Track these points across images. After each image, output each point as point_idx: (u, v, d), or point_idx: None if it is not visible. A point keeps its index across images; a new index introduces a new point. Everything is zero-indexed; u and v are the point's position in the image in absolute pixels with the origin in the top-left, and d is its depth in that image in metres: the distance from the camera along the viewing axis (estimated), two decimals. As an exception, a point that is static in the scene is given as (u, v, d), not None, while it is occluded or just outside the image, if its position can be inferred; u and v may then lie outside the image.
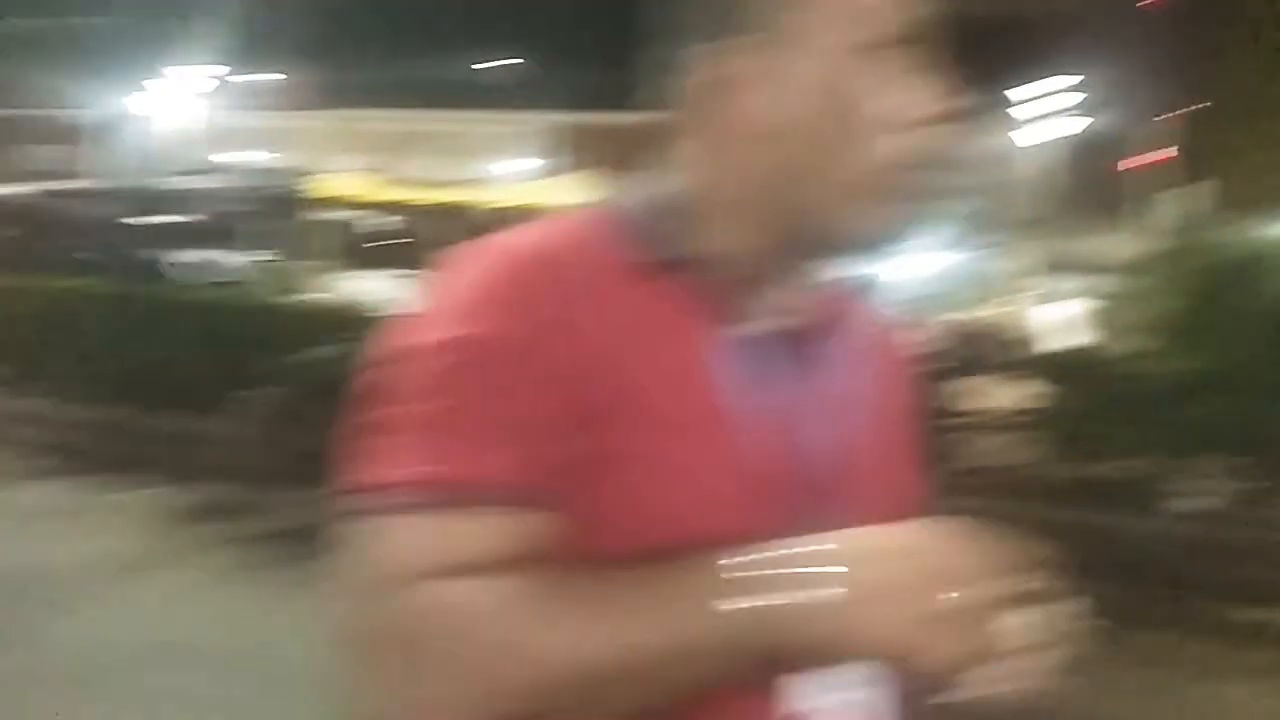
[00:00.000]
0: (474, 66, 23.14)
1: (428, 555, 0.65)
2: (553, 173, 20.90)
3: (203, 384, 7.22)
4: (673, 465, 0.71)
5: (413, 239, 16.88)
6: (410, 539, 0.66)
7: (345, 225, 16.48)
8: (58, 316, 8.00)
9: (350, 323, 7.12)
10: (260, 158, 16.96)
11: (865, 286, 0.83)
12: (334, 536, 0.73)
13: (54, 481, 6.78)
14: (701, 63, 0.72)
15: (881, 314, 0.88)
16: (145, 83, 16.80)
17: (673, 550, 0.67)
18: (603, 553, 0.68)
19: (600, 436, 0.69)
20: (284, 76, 20.68)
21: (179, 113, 13.45)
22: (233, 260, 10.45)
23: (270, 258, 11.49)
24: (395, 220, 17.57)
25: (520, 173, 21.27)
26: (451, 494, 0.66)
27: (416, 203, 17.93)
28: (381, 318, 0.75)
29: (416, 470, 0.67)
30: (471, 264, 0.75)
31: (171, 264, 9.22)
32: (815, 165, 0.70)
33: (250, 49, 18.65)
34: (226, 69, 17.77)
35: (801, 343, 0.76)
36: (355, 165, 18.68)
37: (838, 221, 0.71)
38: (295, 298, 8.94)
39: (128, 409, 7.45)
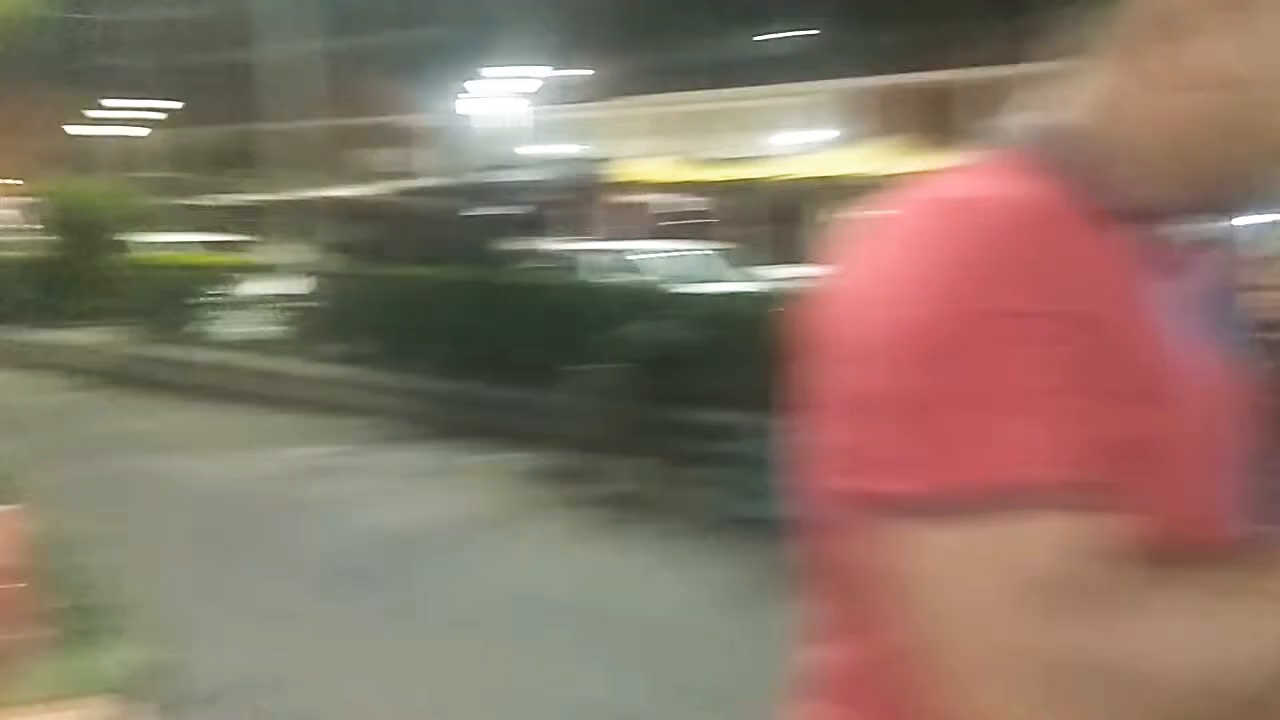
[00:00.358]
0: (762, 39, 23.16)
1: (1039, 568, 0.59)
2: (849, 141, 20.51)
3: (542, 359, 7.85)
4: (1197, 447, 0.67)
5: (714, 216, 17.29)
6: (1008, 549, 0.59)
7: (649, 206, 17.10)
8: (413, 301, 8.98)
9: (666, 300, 7.46)
10: (572, 149, 18.01)
11: (1241, 241, 0.78)
12: (786, 528, 0.70)
13: (416, 446, 7.57)
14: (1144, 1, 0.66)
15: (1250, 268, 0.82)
16: (470, 86, 18.32)
17: (1215, 540, 0.65)
18: (1149, 549, 0.62)
19: (1133, 422, 0.63)
20: (589, 71, 21.78)
21: (502, 111, 14.64)
22: (558, 245, 11.20)
23: (587, 242, 12.25)
24: (696, 199, 18.05)
25: (815, 143, 21.06)
26: (1031, 495, 0.59)
27: (715, 181, 18.30)
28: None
29: (985, 467, 0.59)
30: (919, 227, 0.66)
31: (507, 251, 10.07)
32: (1261, 122, 0.65)
33: (560, 48, 19.83)
34: (539, 68, 19.00)
35: (1206, 299, 0.72)
36: (656, 149, 19.31)
37: (1261, 181, 0.67)
38: (616, 278, 9.47)
39: (477, 382, 8.23)
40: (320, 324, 9.78)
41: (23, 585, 0.69)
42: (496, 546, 5.30)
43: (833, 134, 21.84)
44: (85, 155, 26.67)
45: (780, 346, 0.77)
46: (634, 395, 6.53)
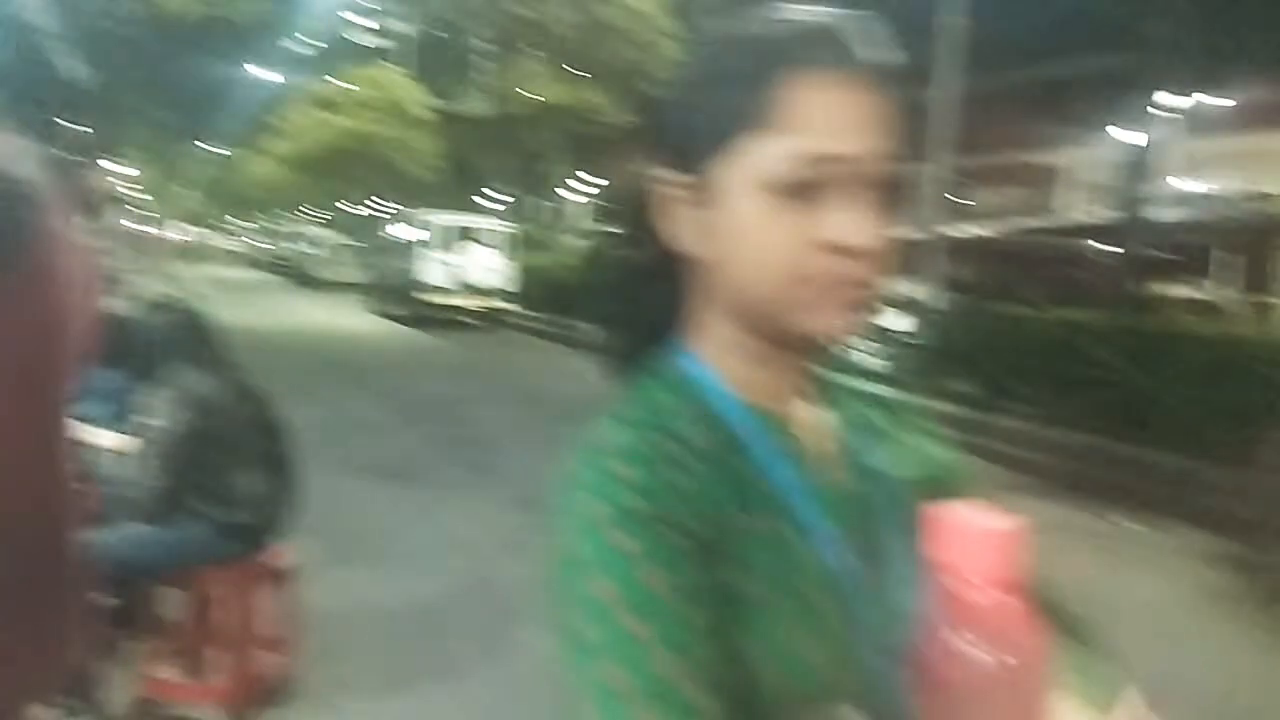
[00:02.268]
0: None
1: None
2: None
3: (1190, 421, 6.86)
4: None
5: None
6: None
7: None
8: (1041, 343, 8.48)
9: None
10: (1227, 184, 15.76)
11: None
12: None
13: (1038, 500, 7.09)
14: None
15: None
16: (1113, 117, 17.00)
17: None
18: None
19: None
20: (1241, 95, 18.92)
21: (1148, 144, 13.28)
22: (1213, 292, 9.80)
23: (1250, 291, 10.54)
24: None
25: None
26: None
27: None
28: None
29: None
30: None
31: (1153, 296, 9.08)
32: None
33: (1211, 73, 17.45)
34: (1189, 95, 16.90)
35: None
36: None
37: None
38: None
39: (1110, 438, 7.50)
40: (942, 361, 9.73)
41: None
42: (1161, 629, 4.67)
43: None
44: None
45: None
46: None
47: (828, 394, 0.81)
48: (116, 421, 3.05)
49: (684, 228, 0.73)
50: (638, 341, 0.80)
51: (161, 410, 2.80)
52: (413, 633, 3.85)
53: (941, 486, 0.82)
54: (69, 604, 1.11)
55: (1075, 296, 9.36)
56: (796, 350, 0.75)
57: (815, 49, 0.68)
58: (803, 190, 0.67)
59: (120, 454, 2.91)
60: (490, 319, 18.53)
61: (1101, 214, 12.40)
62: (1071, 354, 8.10)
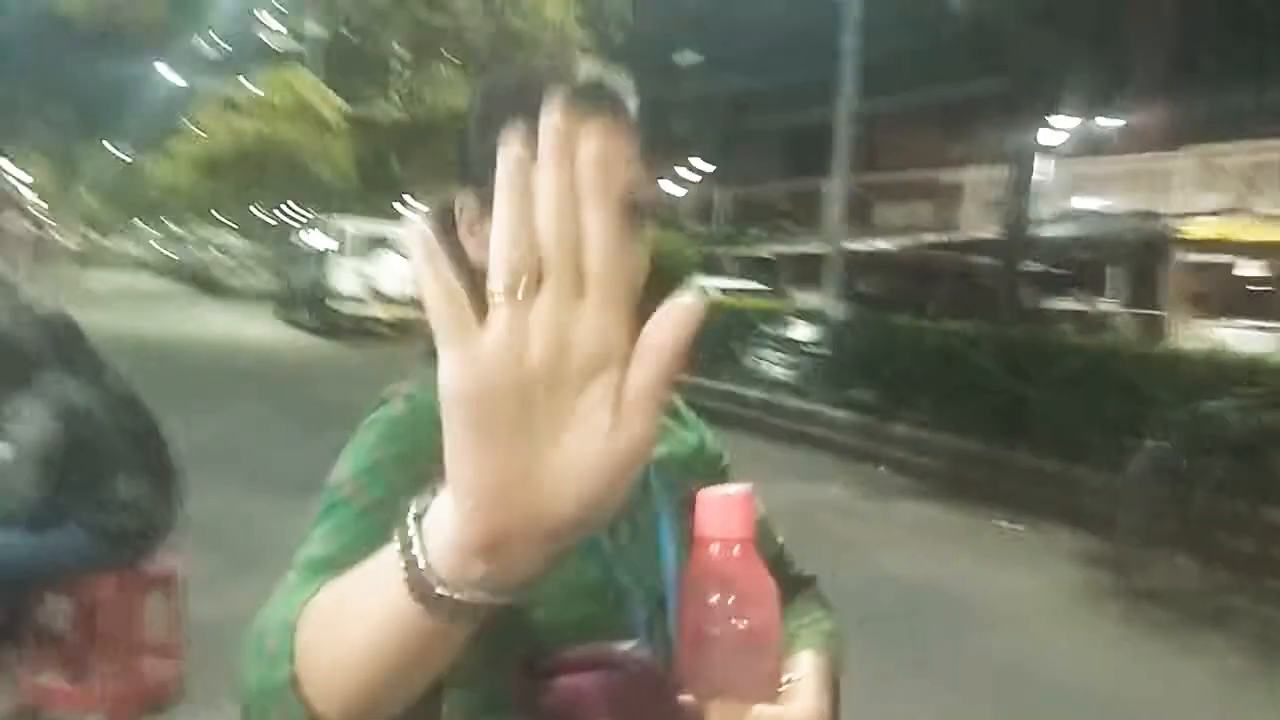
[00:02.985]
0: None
1: None
2: None
3: (1070, 428, 7.23)
4: None
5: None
6: None
7: (1218, 270, 15.04)
8: (933, 353, 8.83)
9: (1253, 376, 6.42)
10: (1115, 202, 16.54)
11: None
12: None
13: (929, 503, 7.38)
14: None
15: None
16: (1007, 137, 17.70)
17: None
18: None
19: None
20: (1129, 117, 19.90)
21: (1041, 163, 13.89)
22: (1099, 307, 10.32)
23: (1136, 306, 11.12)
24: (1270, 262, 15.48)
25: None
26: None
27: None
28: None
29: None
30: None
31: (1042, 309, 9.52)
32: None
33: (1099, 95, 18.33)
34: (1078, 117, 17.72)
35: None
36: (1219, 204, 16.97)
37: None
38: (1175, 347, 8.45)
39: (996, 444, 7.85)
40: (843, 370, 10.03)
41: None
42: (1040, 628, 4.91)
43: None
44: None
45: None
46: (1190, 482, 5.71)
47: None
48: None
49: (471, 242, 0.86)
50: None
51: (34, 418, 2.79)
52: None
53: (704, 468, 0.96)
54: None
55: (967, 309, 9.74)
56: None
57: (576, 94, 0.81)
58: None
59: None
60: (404, 328, 18.34)
61: (997, 230, 12.94)
62: (960, 363, 8.46)
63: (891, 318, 10.11)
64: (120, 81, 26.47)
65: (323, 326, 18.35)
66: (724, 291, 13.92)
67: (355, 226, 19.15)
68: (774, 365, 10.95)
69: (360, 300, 18.12)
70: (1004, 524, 6.74)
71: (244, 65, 28.98)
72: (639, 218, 0.83)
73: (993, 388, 8.03)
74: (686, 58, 26.89)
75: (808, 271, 15.38)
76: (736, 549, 0.71)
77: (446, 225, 0.90)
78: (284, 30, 31.38)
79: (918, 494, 7.69)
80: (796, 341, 10.84)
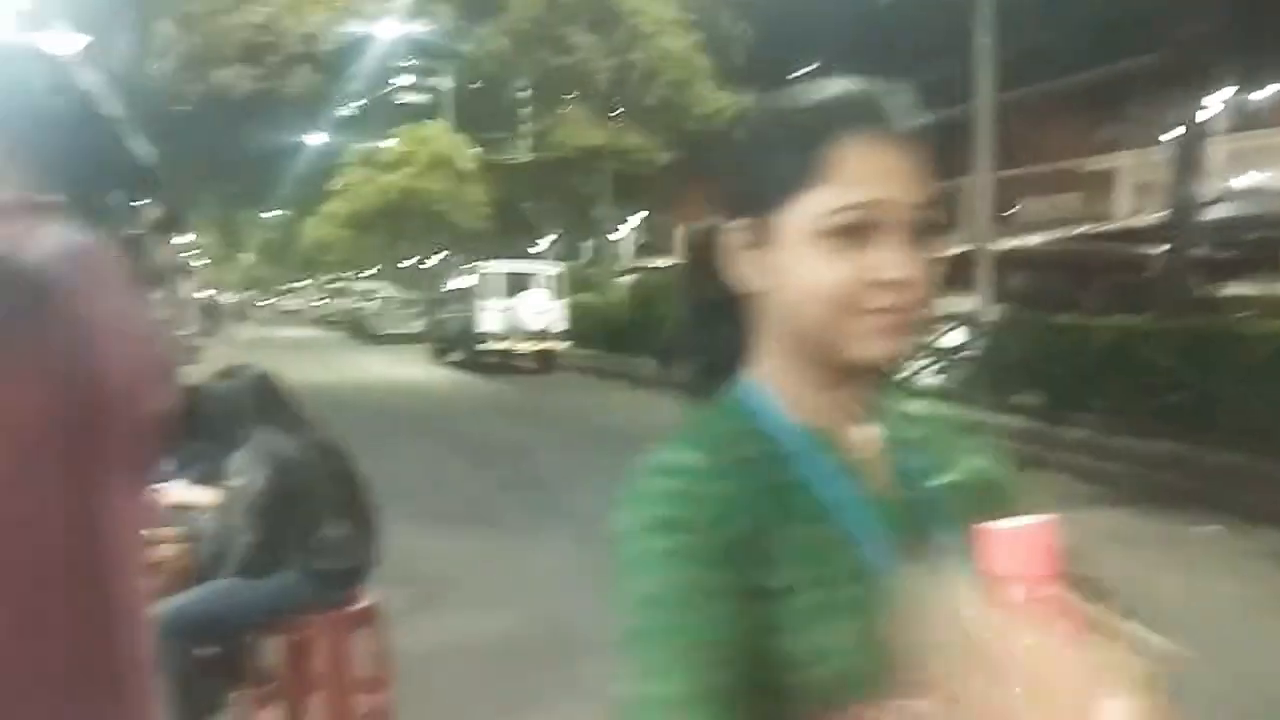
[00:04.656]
0: None
1: None
2: None
3: (1260, 421, 6.74)
4: None
5: None
6: None
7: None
8: (1100, 351, 8.40)
9: None
10: (1276, 177, 15.40)
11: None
12: None
13: (1116, 509, 6.97)
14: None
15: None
16: (1158, 119, 16.79)
17: None
18: None
19: None
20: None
21: (1193, 143, 13.11)
22: (1277, 289, 9.61)
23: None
24: None
25: None
26: None
27: None
28: None
29: None
30: None
31: (1213, 296, 8.94)
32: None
33: (1248, 66, 17.13)
34: (1227, 89, 16.60)
35: None
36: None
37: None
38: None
39: (1183, 443, 7.39)
40: (1004, 374, 9.66)
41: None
42: (1235, 630, 4.58)
43: None
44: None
45: None
46: None
47: (879, 413, 0.89)
48: (202, 483, 3.26)
49: (747, 267, 0.85)
50: (709, 373, 0.91)
51: (244, 469, 3.00)
52: (495, 670, 3.99)
53: (991, 497, 0.88)
54: (140, 673, 1.14)
55: (1131, 301, 9.25)
56: (849, 374, 0.84)
57: (858, 115, 0.81)
58: (851, 233, 0.79)
59: (209, 512, 3.11)
60: (546, 361, 18.82)
61: (1153, 216, 12.24)
62: (1134, 360, 8.02)
63: (1048, 316, 9.69)
64: (271, 150, 28.28)
65: (471, 364, 19.02)
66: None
67: (494, 266, 19.85)
68: (927, 374, 10.65)
69: (503, 336, 18.74)
70: (1193, 526, 6.32)
71: (382, 124, 30.51)
72: (935, 233, 0.83)
73: (1172, 384, 7.57)
74: (809, 69, 26.66)
75: (951, 274, 14.85)
76: (1034, 587, 0.68)
77: (699, 251, 0.92)
78: (416, 86, 32.89)
79: (1103, 500, 7.28)
80: (949, 348, 10.52)
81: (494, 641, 4.32)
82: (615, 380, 16.90)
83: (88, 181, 1.26)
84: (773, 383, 0.86)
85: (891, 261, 0.79)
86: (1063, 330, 9.12)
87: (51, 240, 1.14)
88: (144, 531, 1.24)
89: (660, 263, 29.11)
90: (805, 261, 0.80)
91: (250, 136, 22.88)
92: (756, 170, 0.85)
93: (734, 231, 0.86)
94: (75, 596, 1.08)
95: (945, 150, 0.84)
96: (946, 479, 0.89)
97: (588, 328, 19.05)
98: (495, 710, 3.57)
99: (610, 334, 18.33)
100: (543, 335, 18.85)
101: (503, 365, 18.67)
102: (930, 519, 0.85)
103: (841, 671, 0.76)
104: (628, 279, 23.90)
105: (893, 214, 0.80)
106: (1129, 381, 7.97)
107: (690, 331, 0.96)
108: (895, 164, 0.81)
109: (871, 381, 0.88)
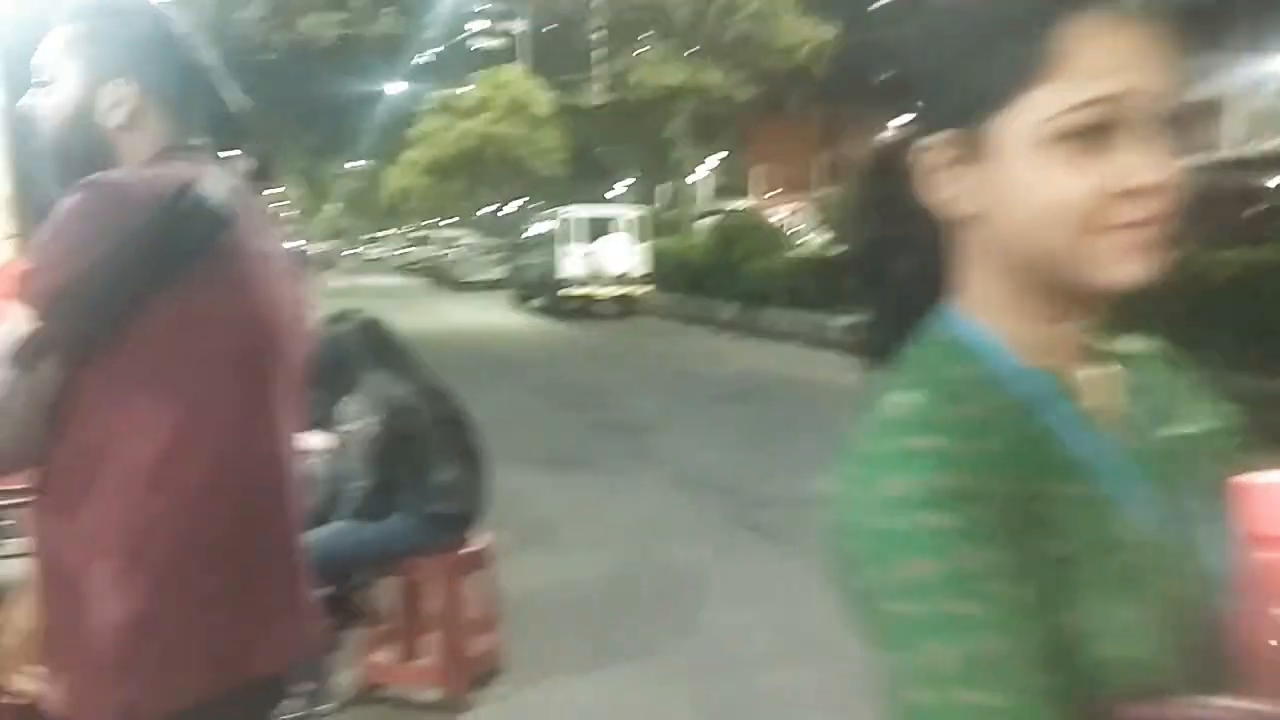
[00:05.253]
0: None
1: None
2: None
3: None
4: None
5: None
6: None
7: None
8: (1218, 287, 7.95)
9: None
10: None
11: None
12: None
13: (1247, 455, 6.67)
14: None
15: None
16: (1262, 42, 15.75)
17: None
18: None
19: None
20: None
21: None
22: None
23: None
24: None
25: None
26: None
27: None
28: None
29: None
30: None
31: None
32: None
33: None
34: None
35: None
36: None
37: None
38: None
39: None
40: (1116, 315, 9.24)
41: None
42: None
43: None
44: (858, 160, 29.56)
45: None
46: None
47: (1108, 351, 0.78)
48: (314, 427, 3.28)
49: (951, 187, 0.72)
50: (900, 314, 0.78)
51: (358, 414, 3.00)
52: (600, 613, 3.99)
53: (1224, 451, 0.79)
54: (305, 583, 1.28)
55: (1250, 234, 8.71)
56: (1083, 305, 0.73)
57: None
58: (1090, 135, 0.67)
59: (326, 455, 3.13)
60: (627, 305, 18.77)
61: (1268, 144, 11.52)
62: (1255, 294, 7.59)
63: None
64: (355, 99, 28.54)
65: (554, 309, 19.07)
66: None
67: (574, 211, 19.78)
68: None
69: (585, 281, 18.72)
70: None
71: (459, 70, 30.51)
72: (1179, 130, 0.69)
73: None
74: None
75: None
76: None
77: (885, 167, 0.78)
78: (492, 30, 32.74)
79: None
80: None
81: (597, 584, 4.32)
82: (697, 325, 16.78)
83: (189, 129, 1.27)
84: (989, 318, 0.73)
85: (1141, 165, 0.66)
86: (1179, 266, 8.67)
87: (215, 181, 1.18)
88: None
89: (740, 204, 28.71)
90: (1033, 174, 0.67)
91: (333, 85, 23.09)
92: (966, 69, 0.70)
93: (933, 147, 0.72)
94: (276, 507, 1.22)
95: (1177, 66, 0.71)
96: (1180, 429, 0.78)
97: (668, 272, 18.90)
98: (599, 650, 3.56)
99: (691, 278, 18.16)
100: (623, 280, 18.79)
101: (584, 310, 18.69)
102: (1173, 475, 0.74)
103: (1138, 654, 0.66)
104: (707, 221, 23.63)
105: (1139, 108, 0.67)
106: (1258, 319, 7.56)
107: (871, 269, 0.81)
108: (1139, 47, 0.67)
109: (1103, 314, 0.75)
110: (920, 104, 0.75)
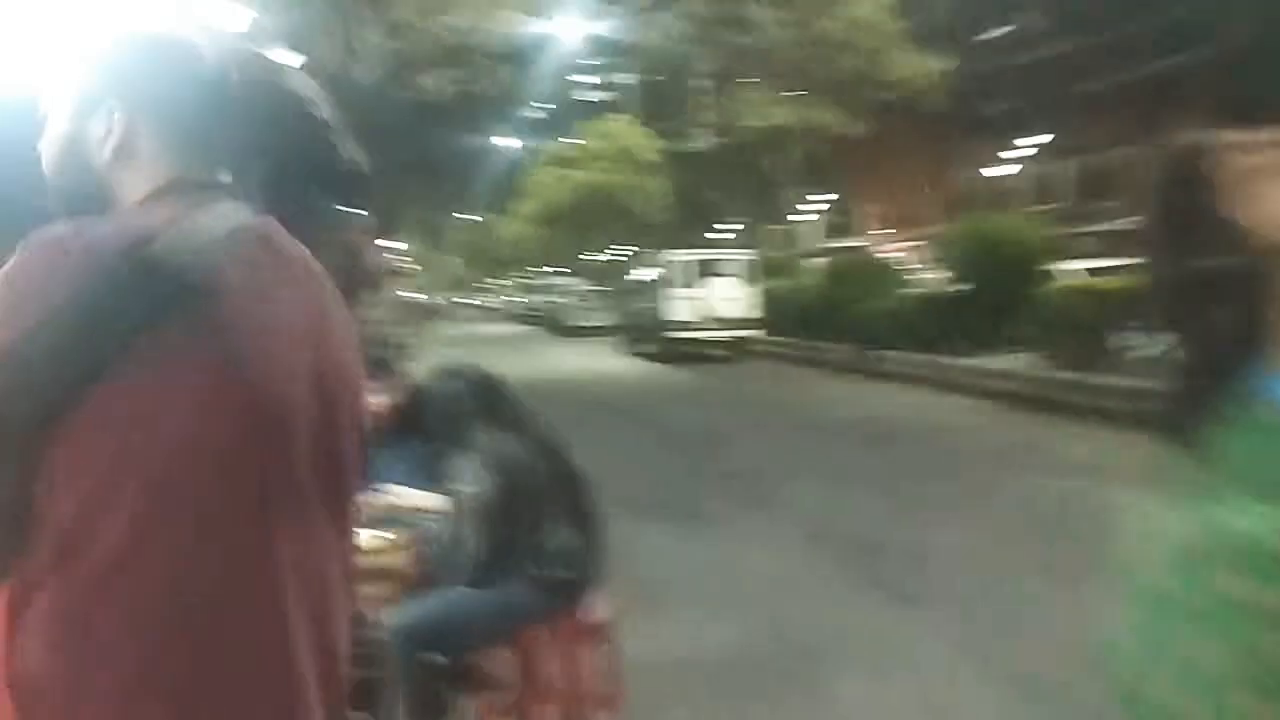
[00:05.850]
0: None
1: None
2: None
3: None
4: None
5: None
6: None
7: None
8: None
9: None
10: None
11: None
12: None
13: None
14: None
15: None
16: None
17: None
18: None
19: None
20: None
21: None
22: None
23: None
24: None
25: None
26: None
27: None
28: None
29: None
30: None
31: None
32: None
33: None
34: None
35: None
36: None
37: None
38: None
39: None
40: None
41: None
42: None
43: None
44: (970, 195, 28.89)
45: None
46: None
47: None
48: (426, 486, 3.16)
49: (1274, 198, 0.55)
50: (1208, 366, 0.62)
51: (470, 473, 2.87)
52: (727, 686, 3.74)
53: None
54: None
55: None
56: None
57: None
58: None
59: (436, 515, 3.01)
60: (738, 348, 18.56)
61: None
62: None
63: None
64: (469, 153, 29.39)
65: (663, 354, 18.99)
66: (1090, 273, 12.63)
67: (681, 255, 19.77)
68: (1154, 350, 9.63)
69: (694, 325, 18.62)
70: None
71: (566, 123, 31.14)
72: None
73: None
74: (1008, 26, 25.21)
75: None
76: None
77: (1181, 177, 0.61)
78: (597, 82, 33.36)
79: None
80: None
81: (722, 653, 4.07)
82: (810, 367, 16.42)
83: (307, 188, 1.24)
84: None
85: None
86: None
87: (215, 223, 1.01)
88: (357, 543, 1.14)
89: (852, 243, 28.16)
90: None
91: (448, 140, 23.83)
92: (1261, 72, 0.52)
93: (1249, 149, 0.54)
94: (252, 618, 0.96)
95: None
96: None
97: (778, 313, 18.63)
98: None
99: (802, 319, 17.84)
100: (733, 323, 18.61)
101: (693, 354, 18.55)
102: None
103: None
104: (819, 262, 23.26)
105: None
106: None
107: (1172, 311, 0.64)
108: None
109: None
110: (1238, 107, 0.56)
